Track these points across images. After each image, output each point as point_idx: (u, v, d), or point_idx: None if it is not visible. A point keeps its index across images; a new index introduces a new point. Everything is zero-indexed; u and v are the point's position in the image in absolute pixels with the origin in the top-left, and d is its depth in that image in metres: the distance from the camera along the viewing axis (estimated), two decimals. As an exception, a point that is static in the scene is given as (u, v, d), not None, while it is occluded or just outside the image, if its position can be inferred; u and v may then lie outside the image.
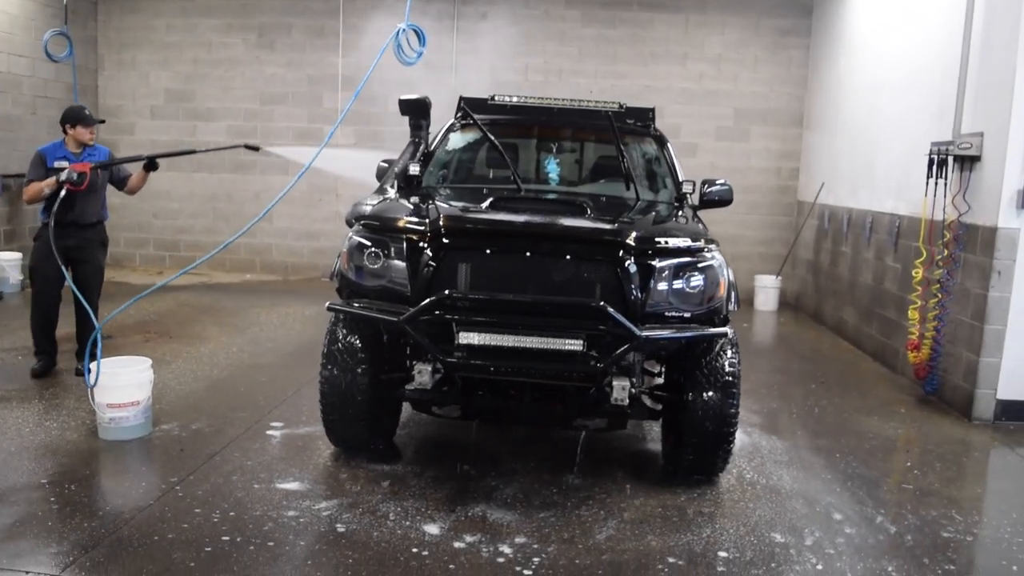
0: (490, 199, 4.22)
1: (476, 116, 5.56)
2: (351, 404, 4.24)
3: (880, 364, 7.38)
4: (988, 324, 5.60)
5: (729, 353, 4.18)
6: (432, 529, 3.70)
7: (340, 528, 3.67)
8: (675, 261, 3.81)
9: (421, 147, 5.31)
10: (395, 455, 4.60)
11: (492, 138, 4.72)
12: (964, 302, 5.88)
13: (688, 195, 5.00)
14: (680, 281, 3.80)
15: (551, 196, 4.87)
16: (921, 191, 6.61)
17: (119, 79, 11.12)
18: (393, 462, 4.50)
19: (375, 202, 4.53)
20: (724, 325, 4.00)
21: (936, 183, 6.07)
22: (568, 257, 3.69)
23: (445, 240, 3.75)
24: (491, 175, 5.39)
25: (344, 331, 4.28)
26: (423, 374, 3.84)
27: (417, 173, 4.99)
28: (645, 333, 3.60)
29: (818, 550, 3.71)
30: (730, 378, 4.12)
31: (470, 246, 3.76)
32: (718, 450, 4.21)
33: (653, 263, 3.77)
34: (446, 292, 3.62)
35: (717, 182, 5.24)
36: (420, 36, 5.94)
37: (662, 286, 3.77)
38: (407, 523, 3.74)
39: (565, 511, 3.98)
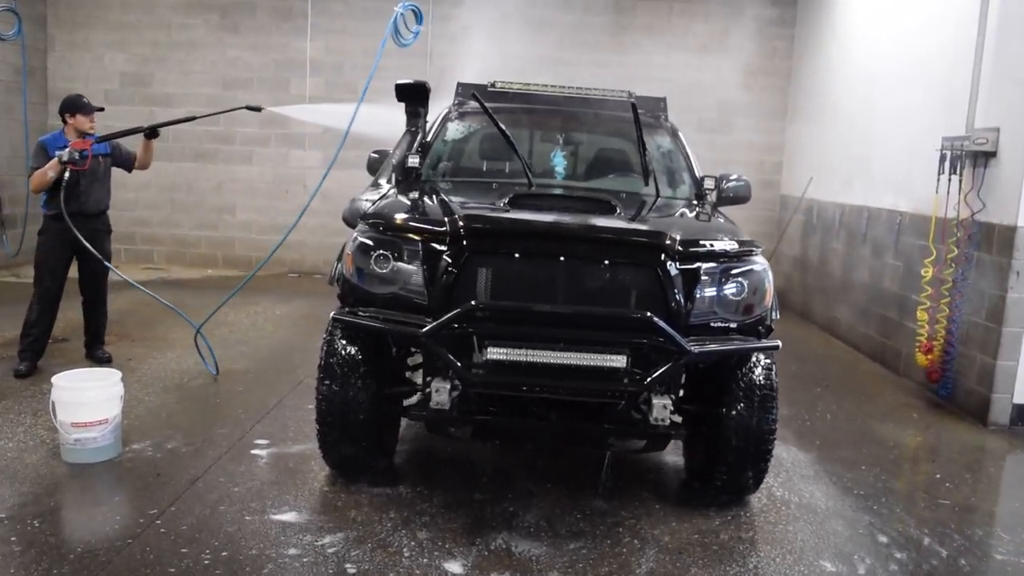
0: (509, 196, 3.82)
1: (475, 104, 5.17)
2: (352, 422, 3.82)
3: (881, 365, 7.18)
4: (1006, 327, 5.40)
5: (766, 365, 3.86)
6: (454, 568, 3.30)
7: (351, 569, 3.24)
8: (721, 266, 3.46)
9: (419, 137, 4.87)
10: (396, 476, 4.19)
11: (503, 128, 4.32)
12: (978, 303, 5.67)
13: (709, 191, 4.66)
14: (726, 288, 3.46)
15: (575, 193, 4.48)
16: (925, 187, 6.41)
17: (70, 61, 10.38)
18: (396, 485, 4.08)
19: (376, 198, 4.10)
20: (768, 335, 3.67)
21: (950, 180, 5.83)
22: (606, 262, 3.31)
23: (467, 242, 3.34)
24: (496, 168, 4.99)
25: (343, 342, 3.86)
26: (441, 392, 3.43)
27: (417, 165, 4.56)
28: (695, 348, 3.25)
29: (874, 581, 3.42)
30: (769, 392, 3.81)
31: (496, 249, 3.36)
32: (754, 469, 3.90)
33: (698, 268, 3.42)
34: (472, 303, 3.22)
35: (732, 177, 4.92)
36: (418, 15, 5.53)
37: (707, 293, 3.43)
38: (425, 560, 3.34)
39: (596, 540, 3.62)
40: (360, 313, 3.57)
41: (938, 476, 4.68)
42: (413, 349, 4.25)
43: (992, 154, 5.55)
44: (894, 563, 3.59)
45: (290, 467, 4.25)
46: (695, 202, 4.64)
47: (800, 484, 4.42)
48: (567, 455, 4.56)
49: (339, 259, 3.99)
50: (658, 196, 4.62)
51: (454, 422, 3.51)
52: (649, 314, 3.20)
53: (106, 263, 5.62)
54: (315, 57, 10.17)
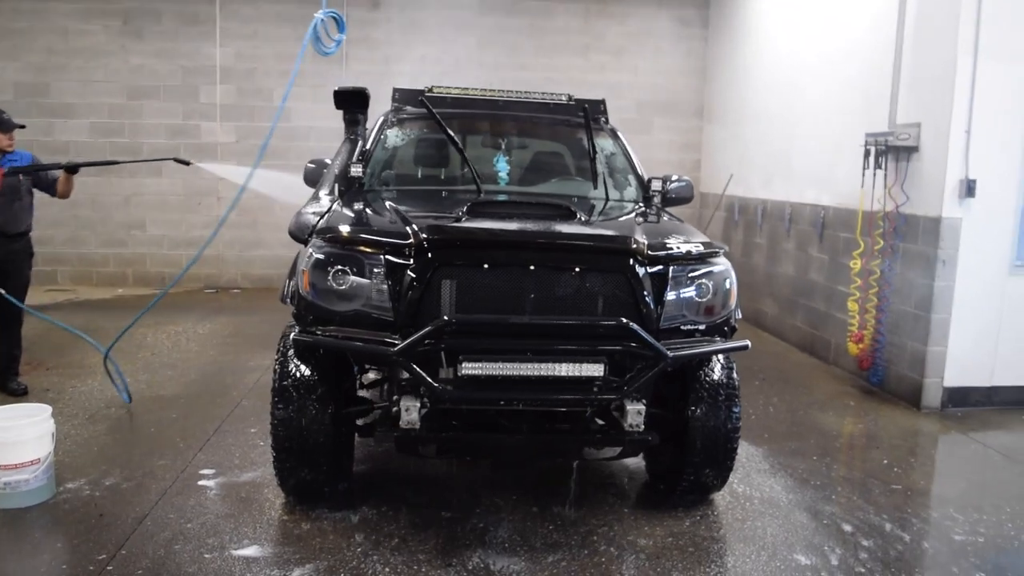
0: (465, 204, 3.72)
1: (413, 109, 5.04)
2: (312, 446, 3.64)
3: (810, 355, 7.40)
4: (935, 314, 5.64)
5: (726, 364, 3.90)
6: (436, 591, 3.18)
7: (329, 602, 3.08)
8: (688, 268, 3.45)
9: (359, 145, 4.71)
10: (356, 499, 4.01)
11: (452, 136, 4.20)
12: (907, 292, 5.90)
13: (656, 193, 4.66)
14: (693, 290, 3.45)
15: (530, 199, 4.41)
16: (848, 182, 6.65)
17: (-44, 71, 9.66)
18: (357, 507, 3.92)
19: (322, 210, 3.92)
20: (733, 335, 3.69)
21: (875, 174, 6.05)
22: (577, 269, 3.24)
23: (433, 254, 3.22)
24: (441, 175, 4.87)
25: (298, 363, 3.67)
26: (411, 411, 3.29)
27: (360, 174, 4.39)
28: (671, 352, 3.22)
29: (848, 570, 3.48)
30: (731, 391, 3.84)
31: (463, 260, 3.24)
32: (721, 468, 3.92)
33: (666, 271, 3.40)
34: (446, 318, 3.09)
35: (674, 178, 4.94)
36: (339, 23, 5.35)
37: (676, 296, 3.41)
38: (404, 586, 3.21)
39: (573, 551, 3.55)
40: (319, 333, 3.39)
41: (885, 462, 4.82)
42: (367, 367, 4.11)
43: (914, 149, 5.78)
44: (863, 551, 3.66)
45: (242, 497, 4.02)
46: (642, 204, 4.64)
47: (758, 479, 4.48)
48: (528, 466, 4.48)
49: (291, 276, 3.80)
50: (607, 199, 4.60)
51: (425, 441, 3.38)
52: (627, 321, 3.16)
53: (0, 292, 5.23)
54: (225, 64, 9.77)
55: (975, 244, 5.55)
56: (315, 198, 4.32)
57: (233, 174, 8.81)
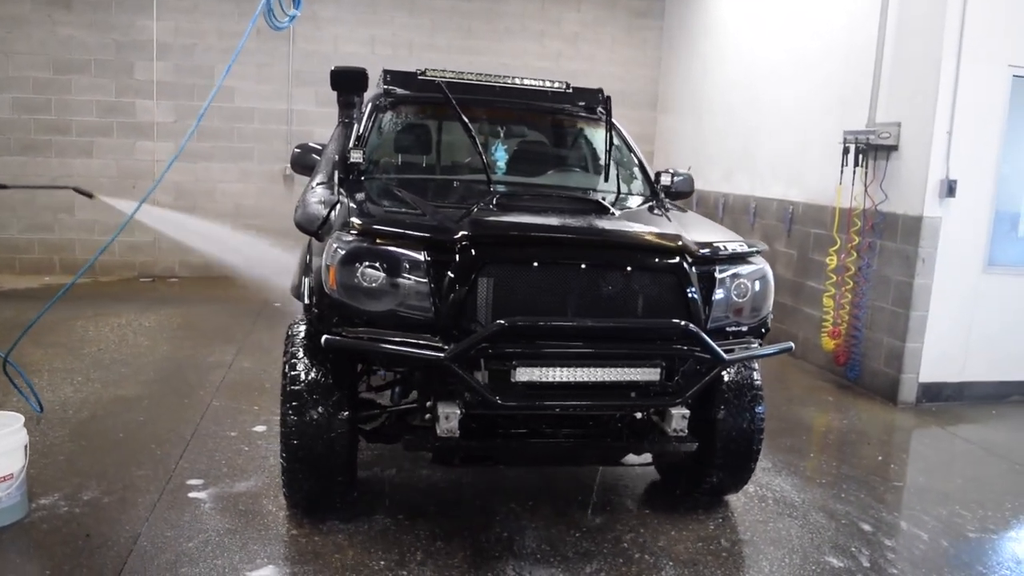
0: (494, 197, 3.50)
1: (406, 92, 4.77)
2: (326, 455, 3.38)
3: (777, 349, 7.47)
4: (913, 311, 5.74)
5: (749, 365, 3.83)
6: (482, 610, 2.99)
7: (371, 628, 2.85)
8: (734, 268, 3.35)
9: (354, 129, 4.41)
10: (365, 507, 3.77)
11: (466, 120, 3.97)
12: (884, 289, 6.00)
13: (666, 187, 4.55)
14: (739, 290, 3.34)
15: (554, 192, 4.23)
16: (819, 178, 6.73)
17: None
18: (369, 516, 3.68)
19: (334, 200, 3.62)
20: (766, 335, 3.61)
21: (854, 172, 6.11)
22: (628, 268, 3.08)
23: (479, 251, 3.00)
24: (445, 164, 4.63)
25: (308, 364, 3.40)
26: (451, 419, 3.07)
27: (360, 161, 4.10)
28: (729, 355, 3.11)
29: (882, 571, 3.47)
30: (756, 392, 3.79)
31: (513, 258, 3.03)
32: (744, 470, 3.86)
33: (712, 271, 3.29)
34: (503, 321, 2.88)
35: (669, 171, 4.83)
36: None
37: (723, 297, 3.30)
38: (445, 605, 3.00)
39: (608, 559, 3.42)
40: (346, 333, 3.13)
41: (880, 458, 4.88)
42: (375, 368, 3.85)
43: (894, 147, 5.86)
44: (889, 551, 3.67)
45: (241, 510, 3.71)
46: (653, 199, 4.51)
47: (765, 478, 4.44)
48: (534, 471, 4.32)
49: (305, 271, 3.52)
50: (619, 193, 4.46)
51: (471, 450, 3.16)
52: (687, 323, 3.03)
53: None
54: (163, 39, 9.15)
55: (953, 243, 5.68)
56: (316, 186, 4.02)
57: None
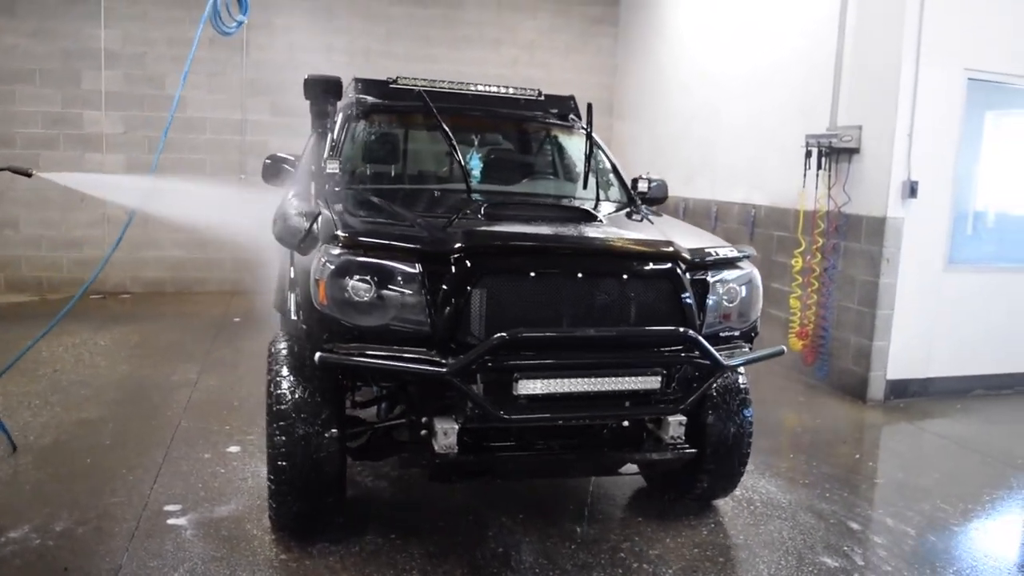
0: (481, 207, 3.44)
1: (377, 101, 4.69)
2: (318, 475, 3.28)
3: (743, 350, 7.55)
4: (879, 310, 5.86)
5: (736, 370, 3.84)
6: (489, 630, 2.92)
7: (377, 653, 2.76)
8: (725, 274, 3.36)
9: (329, 138, 4.31)
10: (354, 527, 3.67)
11: (447, 130, 3.92)
12: (849, 289, 6.11)
13: (642, 193, 4.55)
14: (729, 295, 3.36)
15: (539, 200, 4.20)
16: (781, 181, 6.83)
17: None
18: (359, 536, 3.59)
19: (315, 212, 3.52)
20: (755, 340, 3.63)
21: (817, 175, 6.22)
22: (624, 276, 3.06)
23: (475, 262, 2.94)
24: (422, 173, 4.56)
25: (294, 382, 3.30)
26: (449, 435, 3.00)
27: (337, 171, 4.00)
28: (728, 361, 3.11)
29: (876, 568, 3.51)
30: (744, 396, 3.80)
31: (510, 269, 2.98)
32: (735, 474, 3.87)
33: (705, 276, 3.29)
34: (505, 333, 2.82)
35: (644, 176, 4.85)
36: (242, 3, 5.00)
37: (715, 302, 3.30)
38: (450, 627, 2.93)
39: (606, 571, 3.39)
40: (337, 349, 3.03)
41: (857, 456, 4.95)
42: (359, 384, 3.75)
43: (856, 150, 5.98)
44: (880, 549, 3.71)
45: (225, 535, 3.57)
46: (630, 204, 4.51)
47: (750, 480, 4.45)
48: (521, 483, 4.27)
49: (291, 286, 3.41)
50: (597, 200, 4.45)
51: (465, 465, 3.09)
52: (686, 330, 3.01)
53: None
54: (112, 47, 8.87)
55: (915, 243, 5.81)
56: (293, 197, 3.91)
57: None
